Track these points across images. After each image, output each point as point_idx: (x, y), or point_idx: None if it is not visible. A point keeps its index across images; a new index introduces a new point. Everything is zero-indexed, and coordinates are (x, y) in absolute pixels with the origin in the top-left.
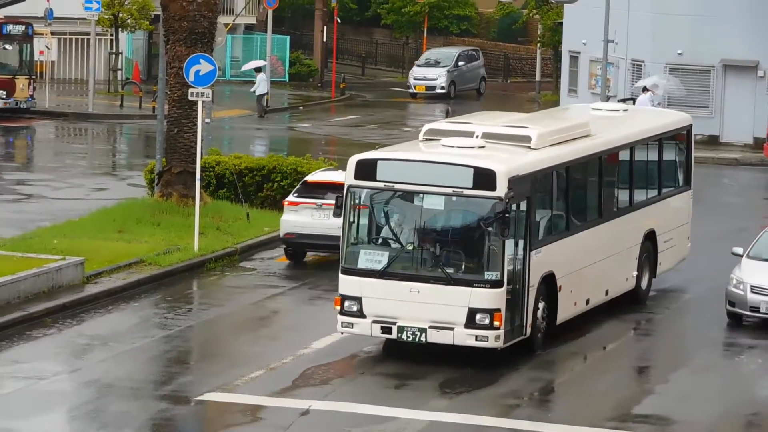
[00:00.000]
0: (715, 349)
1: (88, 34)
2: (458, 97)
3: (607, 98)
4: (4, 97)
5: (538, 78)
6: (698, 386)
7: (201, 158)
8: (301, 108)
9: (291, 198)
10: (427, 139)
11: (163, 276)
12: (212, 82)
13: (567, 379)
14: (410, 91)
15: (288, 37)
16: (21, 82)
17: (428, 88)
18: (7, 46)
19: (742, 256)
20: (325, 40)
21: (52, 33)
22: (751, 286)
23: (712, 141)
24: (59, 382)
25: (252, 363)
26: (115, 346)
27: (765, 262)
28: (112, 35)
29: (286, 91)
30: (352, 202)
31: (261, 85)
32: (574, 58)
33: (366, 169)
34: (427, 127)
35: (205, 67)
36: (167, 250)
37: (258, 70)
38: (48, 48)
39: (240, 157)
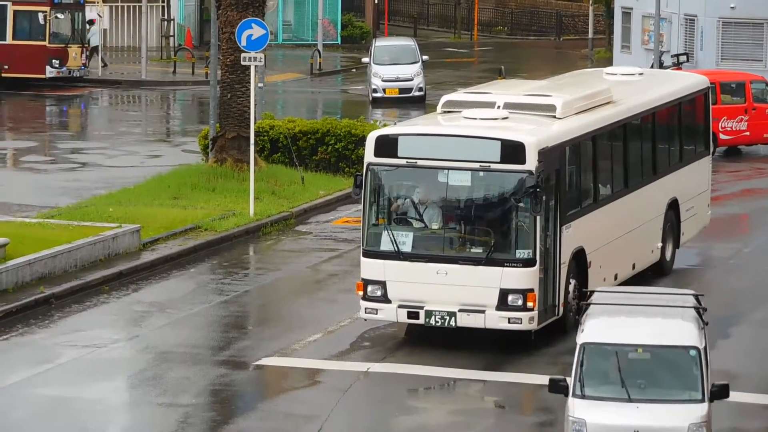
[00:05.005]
0: None
1: (139, 1)
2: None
3: (661, 53)
4: (57, 66)
5: (590, 35)
6: (759, 341)
7: (255, 123)
8: (354, 70)
9: None
10: (445, 112)
11: (219, 241)
12: (264, 46)
13: None
14: (375, 95)
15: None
16: (73, 50)
17: (402, 90)
18: (60, 15)
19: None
20: (377, 1)
21: (104, 1)
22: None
23: None
24: (117, 349)
25: (310, 327)
26: (173, 313)
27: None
28: (163, 2)
29: (338, 53)
30: (372, 181)
31: (93, 36)
32: (627, 14)
33: (386, 146)
34: (445, 98)
35: (257, 31)
36: (223, 215)
37: (90, 22)
38: (100, 16)
39: (294, 120)
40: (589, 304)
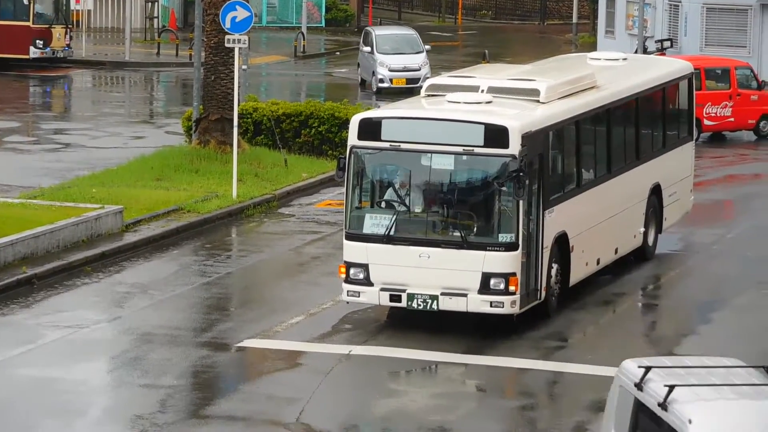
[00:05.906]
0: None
1: None
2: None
3: (645, 39)
4: (41, 46)
5: (575, 20)
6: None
7: (238, 105)
8: (338, 53)
9: None
10: (429, 95)
11: (201, 223)
12: (248, 28)
13: (608, 321)
14: (381, 85)
15: None
16: (57, 31)
17: (410, 80)
18: None
19: None
20: None
21: None
22: None
23: None
24: (99, 330)
25: (292, 309)
26: (155, 294)
27: None
28: None
29: (322, 36)
30: (355, 164)
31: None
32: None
33: (370, 129)
34: (429, 82)
35: (241, 13)
36: (205, 197)
37: None
38: None
39: (277, 103)
40: (672, 386)
